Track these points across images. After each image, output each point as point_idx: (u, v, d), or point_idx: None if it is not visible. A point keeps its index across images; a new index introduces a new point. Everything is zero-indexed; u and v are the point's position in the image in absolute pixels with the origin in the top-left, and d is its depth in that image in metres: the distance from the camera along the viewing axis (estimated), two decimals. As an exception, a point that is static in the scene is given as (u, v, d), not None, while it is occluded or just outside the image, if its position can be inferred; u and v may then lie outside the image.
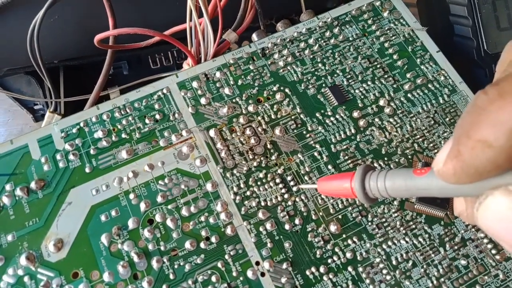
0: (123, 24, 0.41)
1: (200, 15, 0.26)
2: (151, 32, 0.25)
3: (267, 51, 0.27)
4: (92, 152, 0.24)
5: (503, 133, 0.12)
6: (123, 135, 0.25)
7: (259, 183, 0.24)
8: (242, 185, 0.24)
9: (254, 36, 0.29)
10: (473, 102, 0.13)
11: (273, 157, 0.25)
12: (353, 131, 0.25)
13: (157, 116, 0.25)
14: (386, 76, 0.27)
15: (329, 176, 0.20)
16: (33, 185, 0.23)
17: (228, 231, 0.22)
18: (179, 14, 0.29)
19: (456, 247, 0.23)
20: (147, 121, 0.25)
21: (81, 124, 0.25)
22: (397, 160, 0.25)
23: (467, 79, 0.30)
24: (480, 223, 0.13)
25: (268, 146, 0.25)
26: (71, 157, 0.24)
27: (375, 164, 0.25)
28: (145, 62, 0.53)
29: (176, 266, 0.22)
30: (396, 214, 0.23)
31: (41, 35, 0.34)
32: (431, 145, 0.25)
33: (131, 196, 0.23)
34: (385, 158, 0.25)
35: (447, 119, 0.26)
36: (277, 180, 0.24)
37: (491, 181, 0.12)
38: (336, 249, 0.22)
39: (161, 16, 0.37)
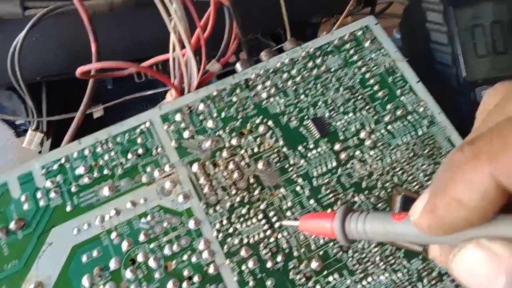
0: (108, 45, 0.41)
1: (183, 45, 0.26)
2: (134, 66, 0.25)
3: (251, 82, 0.28)
4: (73, 189, 0.24)
5: (476, 194, 0.12)
6: (105, 171, 0.25)
7: (241, 219, 0.24)
8: (225, 222, 0.24)
9: (238, 66, 0.29)
10: (450, 159, 0.13)
11: (256, 192, 0.25)
12: (334, 164, 0.26)
13: (140, 151, 0.25)
14: (367, 107, 0.27)
15: (310, 215, 0.20)
16: (12, 225, 0.23)
17: (211, 270, 0.23)
18: (167, 33, 0.29)
19: (433, 282, 0.23)
20: (129, 156, 0.25)
21: (63, 160, 0.25)
22: (377, 193, 0.25)
23: (448, 106, 0.31)
24: (454, 274, 0.13)
25: (251, 180, 0.25)
26: (52, 195, 0.24)
27: (356, 199, 0.25)
28: (129, 80, 0.52)
29: (159, 307, 0.22)
30: (376, 249, 0.24)
31: (24, 53, 0.33)
32: (410, 177, 0.26)
33: (113, 235, 0.23)
34: (366, 192, 0.25)
35: (426, 151, 0.26)
36: (260, 216, 0.24)
37: (465, 233, 0.13)
38: (318, 287, 0.23)
39: (148, 35, 0.37)
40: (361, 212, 0.17)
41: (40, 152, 0.45)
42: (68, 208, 0.24)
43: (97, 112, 0.50)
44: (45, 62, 0.41)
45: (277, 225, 0.24)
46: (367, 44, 0.29)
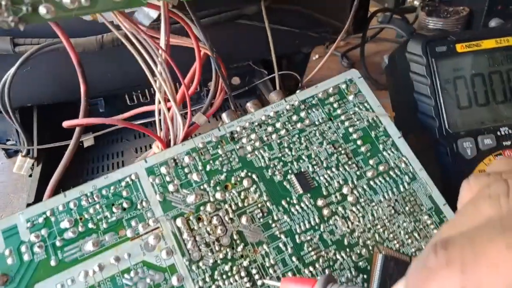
0: (100, 81, 0.42)
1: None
2: (119, 122, 0.25)
3: (236, 135, 0.28)
4: (58, 243, 0.24)
5: None
6: (90, 225, 0.25)
7: (224, 276, 0.24)
8: (207, 279, 0.24)
9: (224, 117, 0.29)
10: (425, 260, 0.14)
11: (239, 248, 0.25)
12: (317, 220, 0.26)
13: (125, 205, 0.26)
14: (350, 162, 0.28)
15: (292, 279, 0.20)
16: (-5, 281, 0.23)
17: (192, 329, 0.23)
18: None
19: None
20: (114, 209, 0.25)
21: (48, 213, 0.25)
22: (358, 251, 0.26)
23: (430, 157, 0.32)
24: None
25: (235, 236, 0.25)
26: (36, 249, 0.24)
27: (338, 256, 0.25)
28: (121, 100, 0.53)
29: None
30: (356, 308, 0.24)
31: (14, 83, 0.34)
32: (391, 235, 0.26)
33: (96, 291, 0.23)
34: (347, 250, 0.26)
35: (407, 208, 0.27)
36: (242, 274, 0.24)
37: None
38: None
39: (137, 66, 0.38)
40: (340, 284, 0.18)
41: (30, 176, 0.45)
42: (52, 263, 0.24)
43: (88, 141, 0.50)
44: (34, 92, 0.42)
45: (259, 283, 0.24)
46: (350, 97, 0.30)
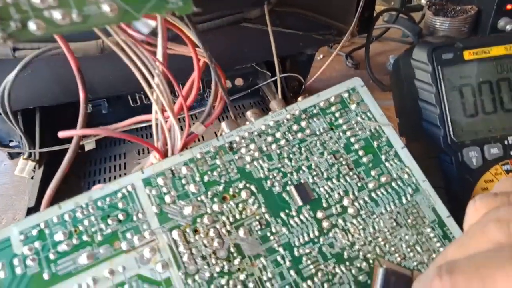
0: (101, 85, 0.41)
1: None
2: (115, 134, 0.25)
3: (235, 145, 0.27)
4: (51, 256, 0.24)
5: None
6: (85, 238, 0.24)
7: (220, 290, 0.24)
8: (203, 293, 0.24)
9: (224, 126, 0.28)
10: (428, 284, 0.13)
11: (236, 262, 0.25)
12: (316, 233, 0.26)
13: (120, 216, 0.25)
14: (351, 173, 0.27)
15: None
16: (-12, 295, 0.23)
17: None
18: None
19: None
20: (109, 221, 0.25)
21: (42, 225, 0.24)
22: (358, 265, 0.25)
23: (434, 166, 0.31)
24: None
25: (232, 249, 0.25)
26: (29, 262, 0.24)
27: (337, 270, 0.25)
28: (124, 100, 0.53)
29: None
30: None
31: (15, 86, 0.34)
32: (392, 248, 0.26)
33: (90, 305, 0.23)
34: (347, 263, 0.25)
35: (409, 220, 0.26)
36: (239, 287, 0.24)
37: None
38: None
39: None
40: None
41: (32, 178, 0.45)
42: (45, 277, 0.23)
43: (89, 144, 0.50)
44: (36, 95, 0.42)
45: (256, 297, 0.24)
46: (353, 106, 0.29)
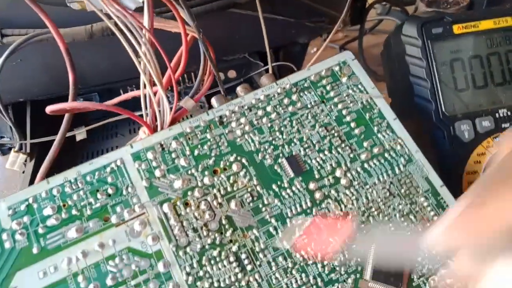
0: (87, 68, 0.41)
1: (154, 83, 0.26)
2: (103, 106, 0.25)
3: (225, 119, 0.27)
4: (40, 230, 0.23)
5: None
6: (74, 212, 0.24)
7: (212, 262, 0.23)
8: (195, 265, 0.23)
9: (214, 101, 0.28)
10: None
11: (227, 233, 0.24)
12: (309, 204, 0.25)
13: (110, 191, 0.25)
14: (343, 145, 0.27)
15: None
16: (-25, 269, 0.22)
17: (179, 316, 0.22)
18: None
19: None
20: (99, 196, 0.25)
21: (30, 200, 0.24)
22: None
23: (427, 140, 0.31)
24: None
25: (223, 221, 0.25)
26: (18, 236, 0.23)
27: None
28: (116, 94, 0.52)
29: None
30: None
31: (4, 76, 0.33)
32: (386, 218, 0.25)
33: (80, 278, 0.22)
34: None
35: (402, 190, 0.26)
36: (231, 259, 0.24)
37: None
38: (288, 334, 0.22)
39: (128, 58, 0.37)
40: None
41: (23, 172, 0.45)
42: (35, 250, 0.23)
43: (80, 135, 0.50)
44: (26, 85, 0.41)
45: (249, 268, 0.23)
46: (344, 80, 0.29)
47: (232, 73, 0.57)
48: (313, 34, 0.57)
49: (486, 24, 0.32)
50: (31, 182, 0.41)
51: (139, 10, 0.27)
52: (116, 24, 0.25)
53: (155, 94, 0.26)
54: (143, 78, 0.24)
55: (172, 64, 0.26)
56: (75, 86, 0.29)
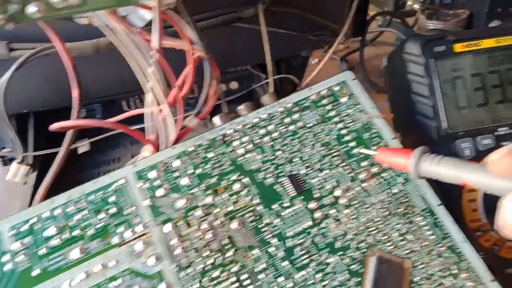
0: (96, 86, 0.41)
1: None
2: (108, 125, 0.25)
3: (228, 138, 0.28)
4: (43, 251, 0.24)
5: None
6: (76, 232, 0.24)
7: (213, 282, 0.24)
8: (196, 286, 0.24)
9: (217, 120, 0.29)
10: None
11: (229, 254, 0.24)
12: (309, 223, 0.26)
13: (113, 210, 0.25)
14: (343, 164, 0.27)
15: (388, 149, 0.26)
16: (-23, 291, 0.22)
17: (180, 337, 0.22)
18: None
19: None
20: (102, 215, 0.25)
21: (33, 220, 0.24)
22: (351, 254, 0.25)
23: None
24: None
25: (225, 241, 0.25)
26: (19, 258, 0.23)
27: (330, 260, 0.25)
28: (119, 105, 0.52)
29: None
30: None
31: (10, 88, 0.34)
32: (385, 237, 0.26)
33: (82, 299, 0.23)
34: (340, 253, 0.25)
35: (400, 210, 0.26)
36: (233, 279, 0.24)
37: None
38: None
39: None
40: (437, 155, 0.22)
41: (25, 183, 0.45)
42: (36, 272, 0.23)
43: (83, 147, 0.50)
44: (31, 97, 0.41)
45: (249, 288, 0.24)
46: (344, 99, 0.29)
47: (234, 85, 0.57)
48: (315, 46, 0.57)
49: (488, 43, 0.32)
50: (34, 194, 0.41)
51: (147, 25, 0.27)
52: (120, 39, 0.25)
53: (159, 111, 0.26)
54: (149, 98, 0.25)
55: (178, 83, 0.26)
56: (80, 102, 0.29)
